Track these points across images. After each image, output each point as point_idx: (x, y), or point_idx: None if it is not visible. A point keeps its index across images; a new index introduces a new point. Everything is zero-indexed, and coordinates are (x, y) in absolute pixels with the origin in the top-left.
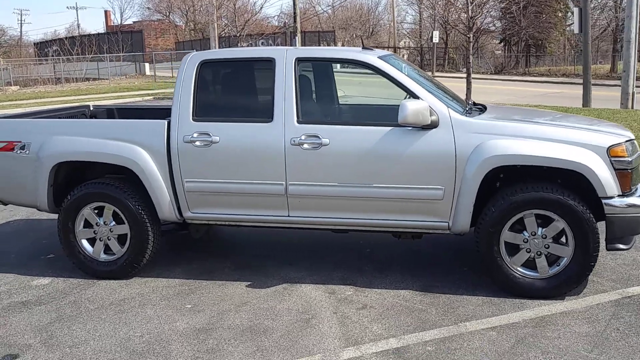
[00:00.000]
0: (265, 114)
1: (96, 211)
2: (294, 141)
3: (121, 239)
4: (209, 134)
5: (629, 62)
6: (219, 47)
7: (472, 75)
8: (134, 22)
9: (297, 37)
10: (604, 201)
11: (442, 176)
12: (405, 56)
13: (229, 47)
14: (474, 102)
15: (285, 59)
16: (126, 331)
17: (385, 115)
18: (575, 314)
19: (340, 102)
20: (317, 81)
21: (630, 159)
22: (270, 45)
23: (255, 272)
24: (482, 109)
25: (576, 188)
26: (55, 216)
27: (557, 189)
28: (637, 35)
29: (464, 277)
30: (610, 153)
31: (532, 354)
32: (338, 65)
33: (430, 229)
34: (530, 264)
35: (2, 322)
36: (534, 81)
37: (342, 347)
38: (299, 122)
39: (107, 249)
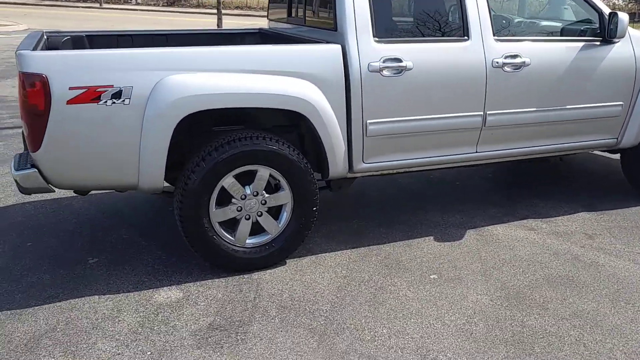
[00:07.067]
0: (457, 30)
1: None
2: (496, 63)
3: (272, 212)
4: (400, 59)
5: None
6: None
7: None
8: None
9: None
10: None
11: (623, 91)
12: None
13: None
14: None
15: None
16: (451, 316)
17: (569, 31)
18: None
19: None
20: None
21: None
22: None
23: (412, 226)
24: None
25: None
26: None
27: None
28: None
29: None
30: None
31: None
32: None
33: (599, 147)
34: None
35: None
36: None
37: None
38: (496, 40)
39: (254, 230)
